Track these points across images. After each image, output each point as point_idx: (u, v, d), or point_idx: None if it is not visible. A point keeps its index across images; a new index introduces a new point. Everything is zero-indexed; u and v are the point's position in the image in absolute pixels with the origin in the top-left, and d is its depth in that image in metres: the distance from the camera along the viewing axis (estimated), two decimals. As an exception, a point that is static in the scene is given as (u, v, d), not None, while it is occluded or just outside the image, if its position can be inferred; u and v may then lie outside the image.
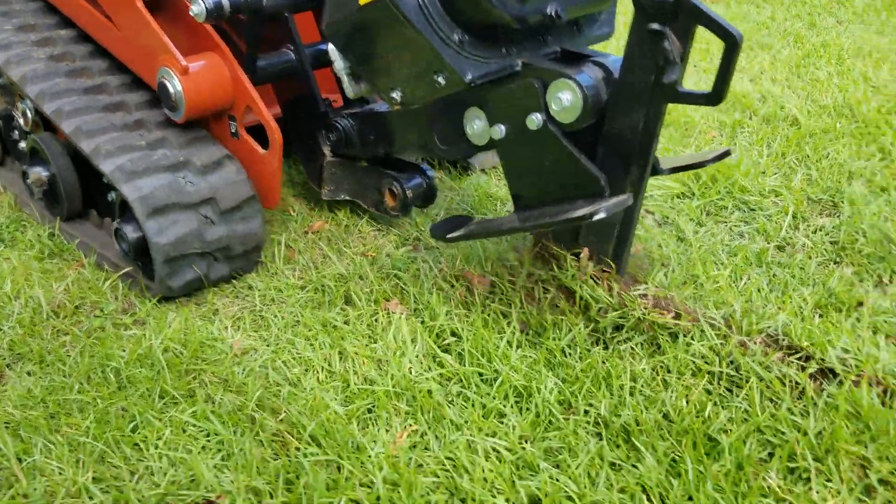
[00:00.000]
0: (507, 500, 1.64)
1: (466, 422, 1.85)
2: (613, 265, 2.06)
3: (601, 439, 1.78)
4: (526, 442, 1.79)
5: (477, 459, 1.73)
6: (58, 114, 2.49)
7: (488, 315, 2.18)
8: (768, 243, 2.55)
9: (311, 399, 1.93)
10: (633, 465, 1.71)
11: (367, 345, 2.15)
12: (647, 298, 2.11)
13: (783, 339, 1.97)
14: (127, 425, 1.91)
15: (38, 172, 2.72)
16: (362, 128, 2.44)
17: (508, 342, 2.08)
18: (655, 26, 1.63)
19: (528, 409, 1.88)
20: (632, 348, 2.02)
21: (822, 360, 1.88)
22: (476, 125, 1.98)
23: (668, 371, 1.94)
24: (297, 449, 1.80)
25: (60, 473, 1.77)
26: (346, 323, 2.26)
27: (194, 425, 1.92)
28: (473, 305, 2.22)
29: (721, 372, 1.90)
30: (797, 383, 1.84)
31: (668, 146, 3.26)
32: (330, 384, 2.03)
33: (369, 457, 1.74)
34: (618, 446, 1.76)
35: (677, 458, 1.70)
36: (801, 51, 4.37)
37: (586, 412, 1.85)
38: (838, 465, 1.64)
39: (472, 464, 1.72)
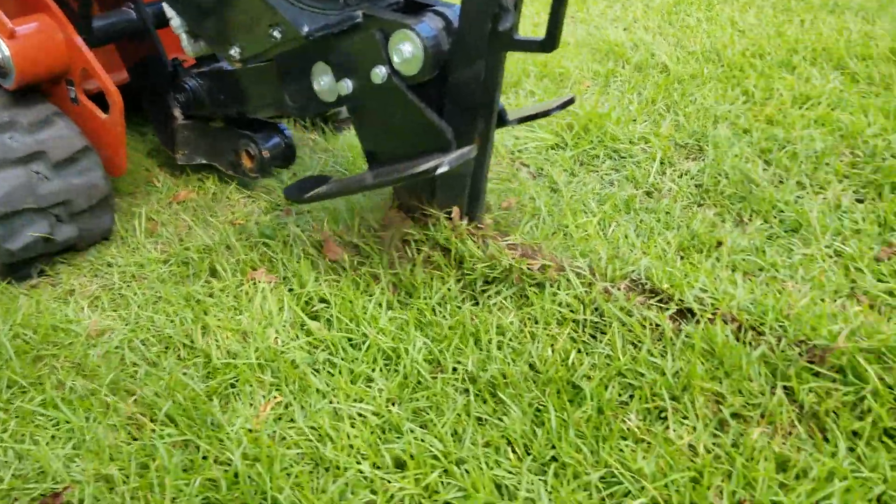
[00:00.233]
0: (372, 466, 1.61)
1: (333, 389, 1.81)
2: (468, 216, 2.04)
3: (469, 395, 1.77)
4: (393, 405, 1.76)
5: (342, 426, 1.69)
6: None
7: (359, 278, 2.13)
8: (637, 190, 2.59)
9: (169, 378, 1.84)
10: (500, 419, 1.71)
11: (232, 317, 2.07)
12: (515, 249, 2.11)
13: (646, 284, 2.00)
14: (-33, 421, 1.78)
15: None
16: (212, 87, 2.32)
17: (379, 304, 2.04)
18: None
19: (396, 371, 1.85)
20: (501, 302, 2.02)
21: (682, 300, 1.92)
22: (323, 81, 1.90)
23: (536, 322, 1.95)
24: (153, 431, 1.71)
25: None
26: (210, 296, 2.17)
27: (42, 414, 1.80)
28: (344, 270, 2.16)
29: (585, 319, 1.91)
30: (657, 325, 1.87)
31: (544, 98, 3.26)
32: (191, 361, 1.95)
33: (228, 434, 1.67)
34: (485, 401, 1.76)
35: (542, 407, 1.71)
36: (673, -2, 4.44)
37: (455, 370, 1.84)
38: (694, 403, 1.68)
39: (337, 431, 1.68)
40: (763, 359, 1.75)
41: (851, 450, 1.56)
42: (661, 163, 2.71)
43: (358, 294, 2.07)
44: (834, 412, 1.62)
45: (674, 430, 1.64)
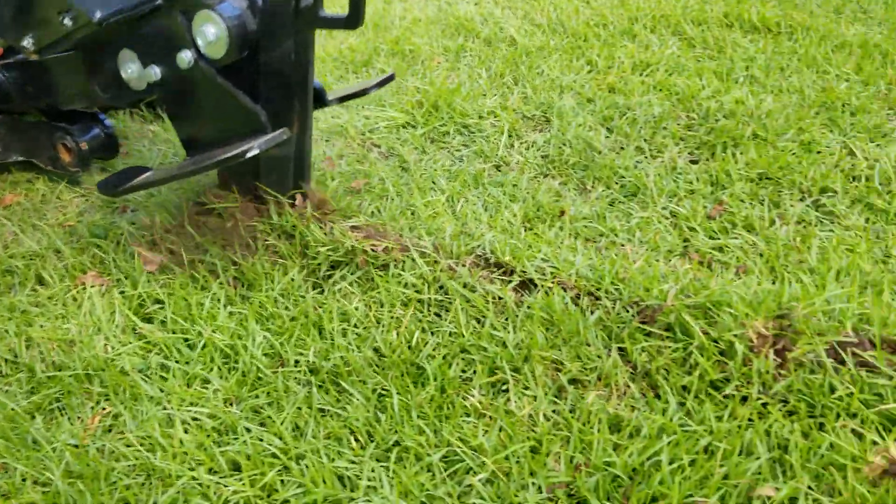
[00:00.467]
0: (208, 471, 1.54)
1: (167, 394, 1.72)
2: (298, 198, 2.02)
3: (311, 387, 1.72)
4: (231, 404, 1.69)
5: (174, 433, 1.61)
6: None
7: (197, 274, 2.04)
8: (486, 164, 2.59)
9: (-17, 399, 1.70)
10: (343, 408, 1.67)
11: (58, 326, 1.93)
12: (360, 231, 2.07)
13: (490, 258, 2.00)
14: None
15: None
16: (19, 79, 2.15)
17: (217, 300, 1.95)
18: None
19: (234, 369, 1.77)
20: (346, 287, 1.97)
21: (524, 272, 1.94)
22: (131, 69, 1.79)
23: (382, 305, 1.91)
24: (-36, 459, 1.58)
25: None
26: (36, 305, 2.02)
27: None
28: (181, 266, 2.06)
29: (430, 298, 1.90)
30: (500, 298, 1.88)
31: (399, 76, 3.21)
32: (14, 377, 1.81)
33: (48, 452, 1.56)
34: (327, 392, 1.71)
35: (385, 392, 1.69)
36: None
37: (297, 362, 1.78)
38: (534, 372, 1.70)
39: (170, 438, 1.60)
40: (599, 323, 1.78)
41: (682, 404, 1.62)
42: (510, 136, 2.73)
43: (194, 291, 1.97)
44: (665, 369, 1.67)
45: (515, 402, 1.65)
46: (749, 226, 2.16)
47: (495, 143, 2.69)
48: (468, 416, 1.63)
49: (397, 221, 2.18)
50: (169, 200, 2.28)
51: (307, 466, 1.52)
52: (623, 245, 2.13)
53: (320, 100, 1.85)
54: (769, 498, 1.41)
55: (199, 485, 1.51)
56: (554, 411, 1.63)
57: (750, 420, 1.54)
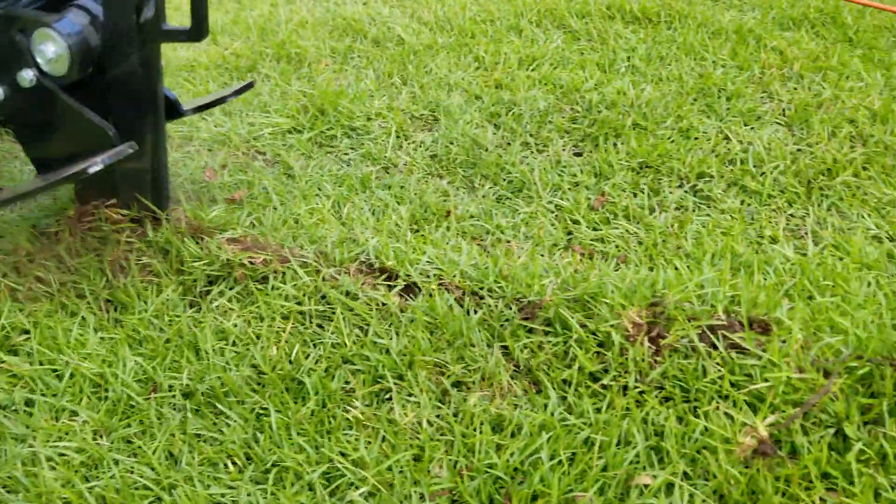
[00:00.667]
0: (74, 509, 1.46)
1: (32, 430, 1.62)
2: (156, 211, 1.97)
3: (186, 412, 1.65)
4: (100, 436, 1.61)
5: (39, 471, 1.51)
6: None
7: (66, 299, 1.93)
8: (374, 166, 2.56)
9: None
10: (220, 431, 1.61)
11: (-89, 368, 1.80)
12: (237, 243, 2.00)
13: (374, 263, 1.97)
14: None
15: None
16: None
17: (87, 326, 1.85)
18: None
19: (104, 398, 1.69)
20: (225, 303, 1.91)
21: (408, 276, 1.91)
22: (-27, 89, 1.69)
23: (261, 320, 1.86)
24: None
25: None
26: None
27: None
28: (48, 293, 1.95)
29: (311, 310, 1.85)
30: (384, 304, 1.85)
31: (280, 82, 3.14)
32: None
33: None
34: (203, 416, 1.65)
35: (263, 411, 1.63)
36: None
37: (171, 387, 1.71)
38: (417, 378, 1.68)
39: (34, 477, 1.51)
40: (483, 322, 1.78)
41: (563, 398, 1.62)
42: (398, 137, 2.69)
43: (63, 318, 1.87)
44: (546, 364, 1.67)
45: (398, 410, 1.62)
46: (629, 215, 2.19)
47: (383, 145, 2.65)
48: (350, 428, 1.60)
49: (279, 231, 2.12)
50: (39, 221, 2.16)
51: (180, 496, 1.46)
52: (509, 241, 2.13)
53: (176, 111, 1.79)
54: (646, 486, 1.42)
55: (64, 526, 1.43)
56: (437, 416, 1.61)
57: (627, 409, 1.55)
